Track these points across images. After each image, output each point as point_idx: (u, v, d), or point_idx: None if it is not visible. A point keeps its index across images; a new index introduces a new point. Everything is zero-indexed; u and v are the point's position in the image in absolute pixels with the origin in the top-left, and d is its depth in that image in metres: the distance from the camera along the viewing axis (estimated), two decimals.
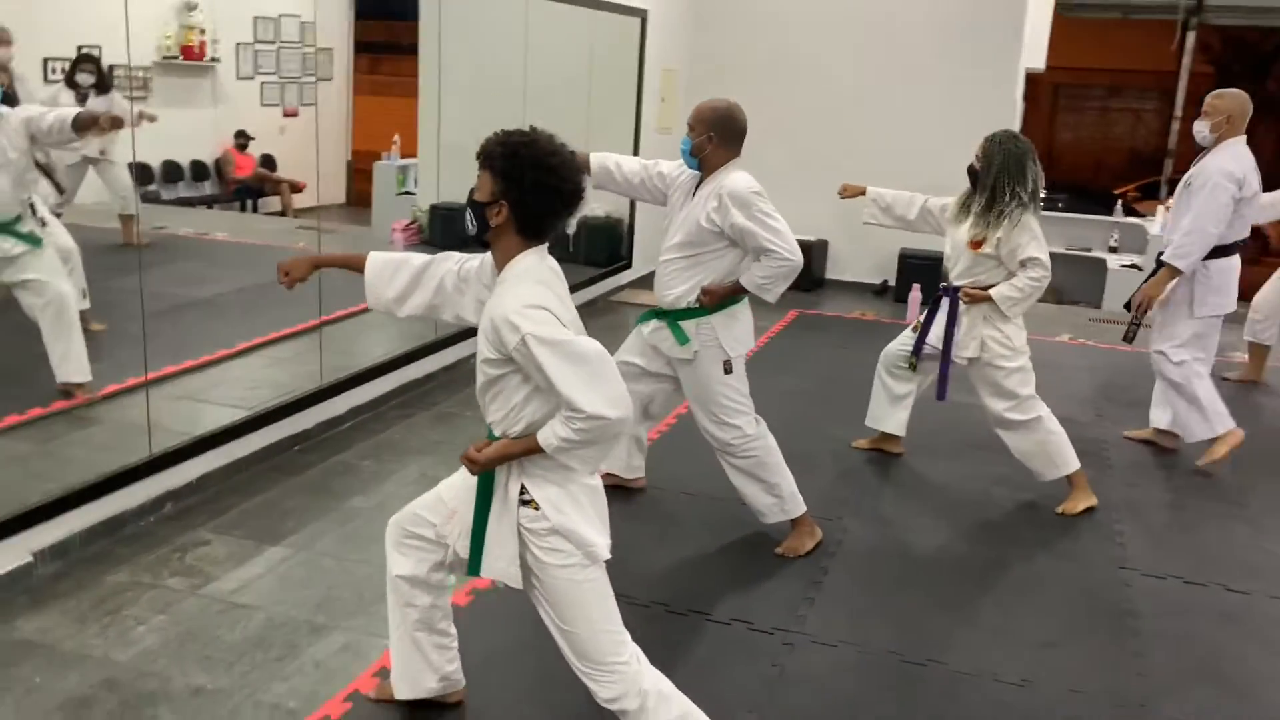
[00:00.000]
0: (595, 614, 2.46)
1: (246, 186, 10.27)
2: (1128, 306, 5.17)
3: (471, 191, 2.46)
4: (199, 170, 9.99)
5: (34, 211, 4.95)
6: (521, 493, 2.44)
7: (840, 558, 3.96)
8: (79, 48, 8.03)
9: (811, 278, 8.87)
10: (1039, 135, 15.76)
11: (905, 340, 4.78)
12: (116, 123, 4.62)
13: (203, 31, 9.89)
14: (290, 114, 11.08)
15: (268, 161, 10.41)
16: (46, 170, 5.77)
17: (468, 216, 2.46)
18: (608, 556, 2.48)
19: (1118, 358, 6.99)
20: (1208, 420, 4.93)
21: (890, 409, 4.91)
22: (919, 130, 8.56)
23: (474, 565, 2.55)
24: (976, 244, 4.33)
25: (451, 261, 2.69)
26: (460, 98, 8.09)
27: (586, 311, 7.50)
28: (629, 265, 8.48)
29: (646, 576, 3.72)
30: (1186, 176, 4.93)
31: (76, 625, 3.26)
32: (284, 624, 3.32)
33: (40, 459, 4.24)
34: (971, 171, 4.37)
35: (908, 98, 8.59)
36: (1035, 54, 10.53)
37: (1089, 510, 4.47)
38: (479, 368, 2.45)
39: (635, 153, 8.09)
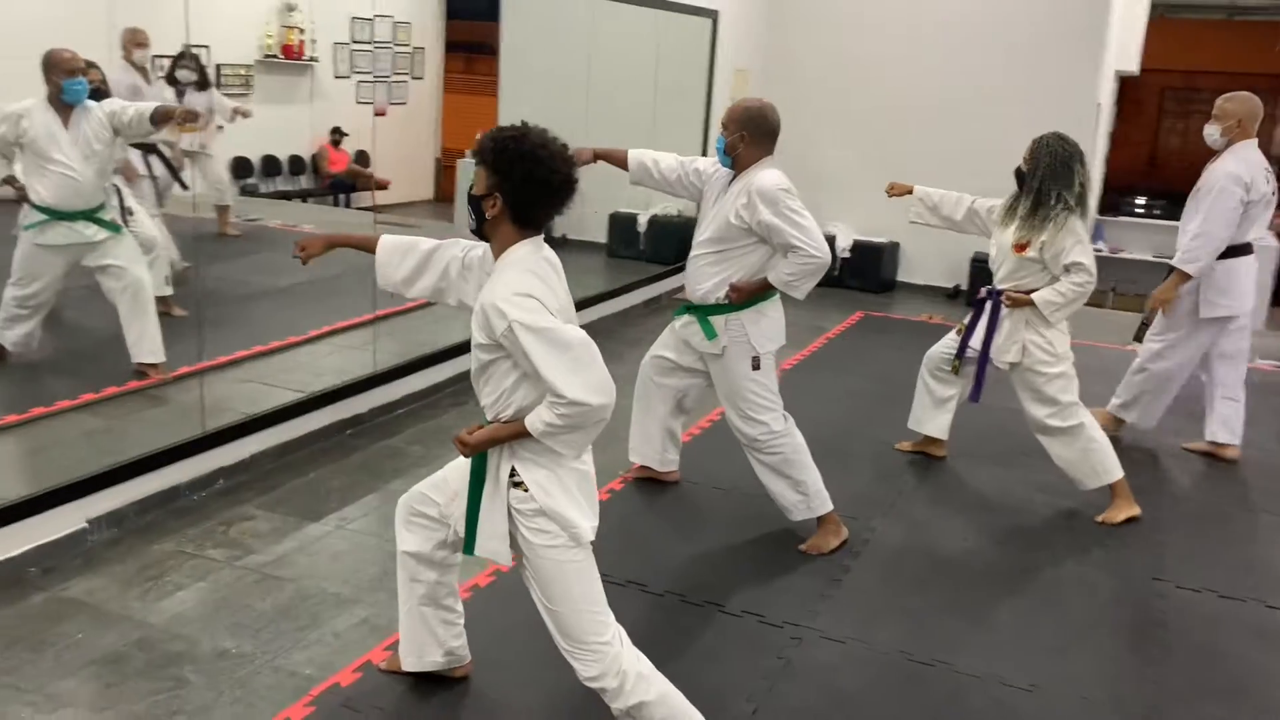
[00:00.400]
0: (578, 594, 2.54)
1: (340, 181, 10.59)
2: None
3: (470, 187, 2.55)
4: (296, 165, 10.34)
5: (121, 200, 5.25)
6: (512, 475, 2.53)
7: (864, 557, 3.97)
8: (186, 46, 8.44)
9: (881, 280, 8.82)
10: (1143, 140, 15.32)
11: (949, 343, 4.74)
12: (190, 116, 4.84)
13: (302, 31, 10.27)
14: (381, 113, 11.40)
15: (361, 158, 10.71)
16: (170, 165, 6.11)
17: (467, 210, 2.56)
18: (592, 539, 2.55)
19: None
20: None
21: (933, 412, 4.87)
22: (992, 133, 8.38)
23: (469, 544, 2.65)
24: (1021, 247, 4.29)
25: (458, 248, 2.79)
26: (536, 97, 8.23)
27: (650, 308, 7.69)
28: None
29: (666, 566, 3.79)
30: (1198, 182, 4.90)
31: (121, 588, 3.47)
32: (311, 596, 3.47)
33: (107, 434, 4.48)
34: (1019, 173, 4.33)
35: (981, 99, 8.45)
36: (1128, 56, 10.29)
37: (1131, 520, 4.38)
38: (473, 353, 2.54)
39: (704, 153, 8.14)
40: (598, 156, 4.10)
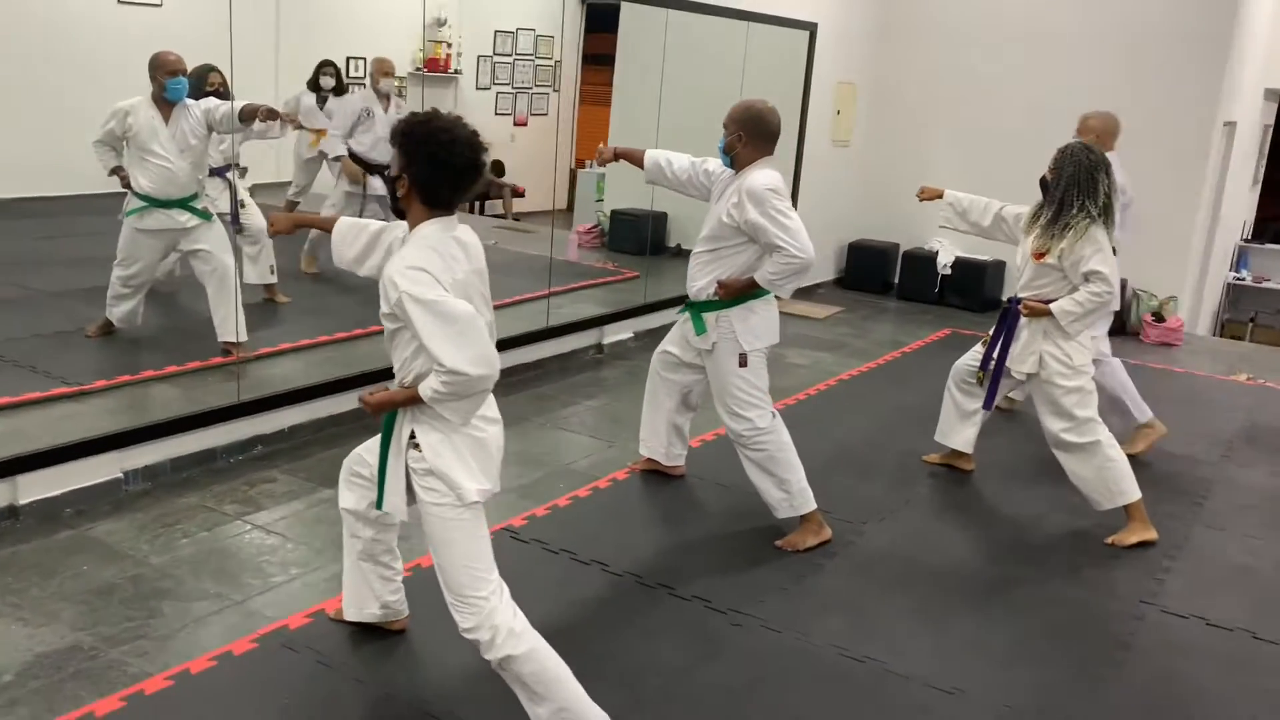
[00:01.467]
0: (460, 551, 2.70)
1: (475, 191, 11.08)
2: None
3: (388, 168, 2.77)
4: None
5: (234, 192, 5.77)
6: (411, 436, 2.73)
7: (841, 558, 3.99)
8: (347, 58, 9.09)
9: (984, 298, 8.62)
10: None
11: (975, 354, 4.69)
12: (271, 114, 5.26)
13: (449, 46, 10.84)
14: (520, 123, 11.88)
15: (496, 167, 11.16)
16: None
17: (387, 189, 2.78)
18: (477, 500, 2.70)
19: None
20: None
21: (959, 425, 4.82)
22: (1119, 149, 8.13)
23: (379, 499, 2.86)
24: (1040, 254, 4.23)
25: (400, 229, 3.01)
26: (646, 109, 8.46)
27: None
28: None
29: (635, 551, 3.91)
30: None
31: (136, 532, 3.85)
32: (295, 551, 3.77)
33: (179, 400, 4.88)
34: (1043, 182, 4.28)
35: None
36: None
37: (1144, 544, 4.23)
38: (382, 320, 2.75)
39: (798, 164, 8.20)
40: (618, 155, 4.29)
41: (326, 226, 3.13)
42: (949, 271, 8.74)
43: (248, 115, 5.19)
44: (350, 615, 3.22)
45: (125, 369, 5.15)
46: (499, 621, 2.67)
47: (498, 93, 11.58)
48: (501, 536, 3.95)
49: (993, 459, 4.98)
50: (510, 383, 5.83)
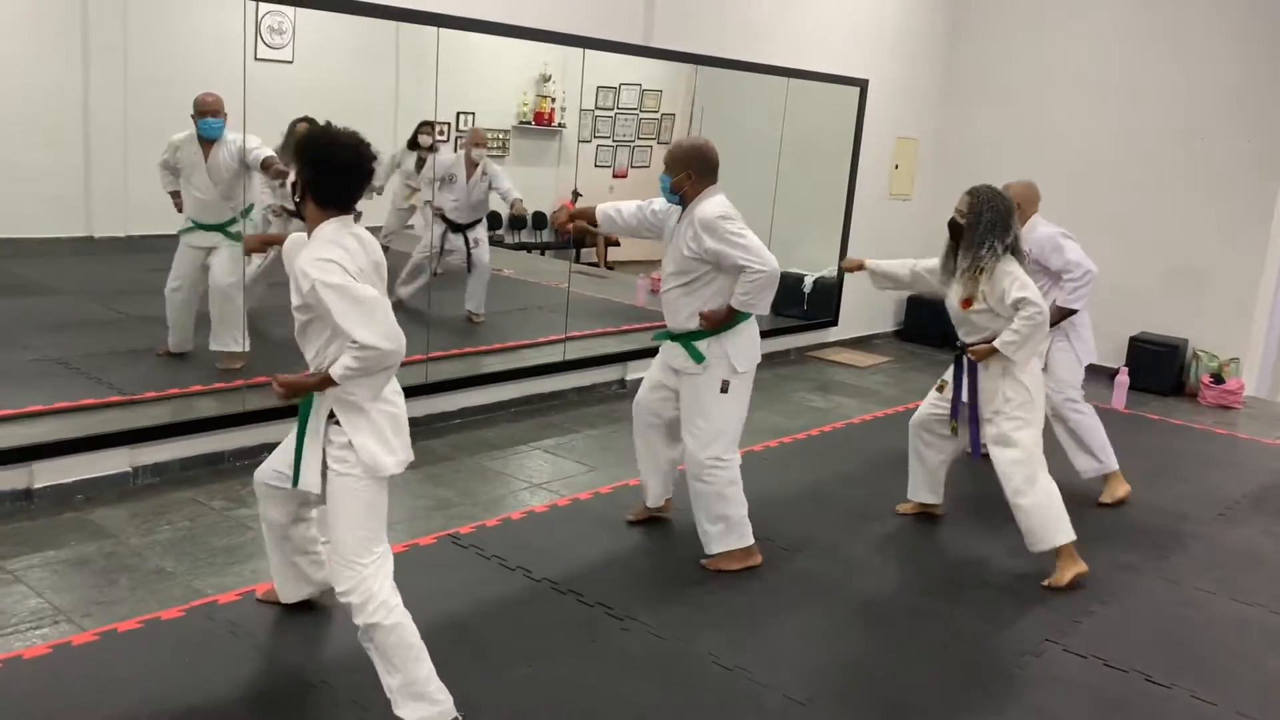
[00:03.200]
0: (354, 518, 2.98)
1: (574, 237, 11.55)
2: None
3: None
4: (539, 220, 11.40)
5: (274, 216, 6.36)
6: (330, 415, 3.04)
7: (761, 580, 4.15)
8: (458, 113, 9.78)
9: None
10: None
11: (933, 402, 4.75)
12: (279, 174, 5.75)
13: (553, 100, 11.44)
14: (620, 175, 12.34)
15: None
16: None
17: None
18: (395, 472, 3.00)
19: None
20: None
21: (924, 480, 4.88)
22: (1180, 206, 8.04)
23: (295, 478, 3.19)
24: (967, 303, 4.34)
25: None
26: (729, 159, 8.82)
27: (777, 359, 7.88)
28: (834, 323, 8.68)
29: (562, 562, 4.16)
30: None
31: (129, 518, 4.34)
32: (258, 543, 4.17)
33: (212, 410, 5.37)
34: (953, 225, 4.36)
35: (1168, 165, 8.09)
36: None
37: (1078, 578, 4.24)
38: (294, 315, 3.10)
39: (848, 216, 8.38)
40: (573, 217, 4.44)
41: (278, 241, 3.54)
42: None
43: (264, 165, 5.70)
44: (288, 599, 3.58)
45: (175, 383, 5.72)
46: (374, 589, 2.94)
47: (598, 145, 12.02)
48: (444, 542, 4.30)
49: (966, 499, 5.04)
50: (523, 410, 6.20)
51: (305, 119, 6.20)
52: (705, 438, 4.14)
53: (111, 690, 3.09)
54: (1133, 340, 8.12)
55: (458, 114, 9.61)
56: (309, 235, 3.06)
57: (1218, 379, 7.79)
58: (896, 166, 8.89)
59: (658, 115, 12.56)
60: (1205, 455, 6.43)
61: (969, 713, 3.32)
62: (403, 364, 2.98)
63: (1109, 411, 7.25)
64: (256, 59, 7.99)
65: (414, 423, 5.61)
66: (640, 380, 4.66)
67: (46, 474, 4.43)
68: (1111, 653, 3.75)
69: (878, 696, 3.37)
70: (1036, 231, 5.13)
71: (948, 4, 8.95)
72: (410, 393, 5.60)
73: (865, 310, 8.81)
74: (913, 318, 9.32)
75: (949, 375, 4.63)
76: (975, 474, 5.54)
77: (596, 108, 11.93)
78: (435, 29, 5.69)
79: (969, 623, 3.94)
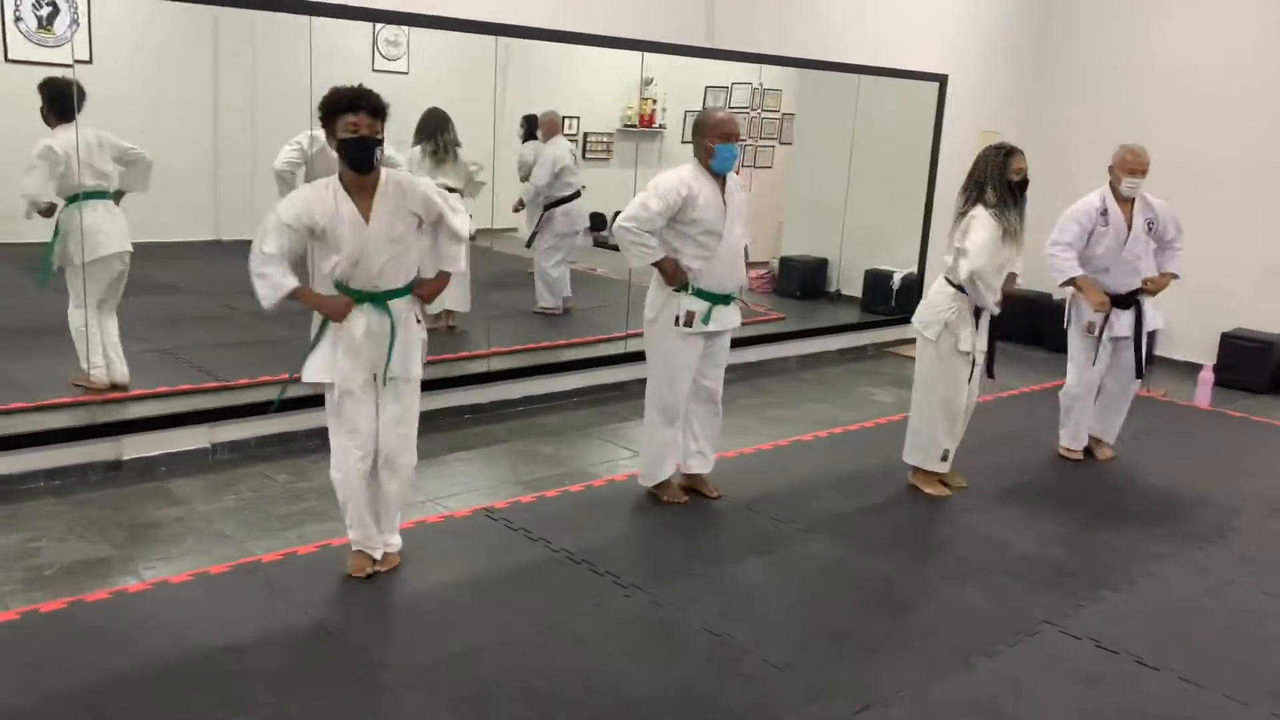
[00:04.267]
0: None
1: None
2: None
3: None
4: None
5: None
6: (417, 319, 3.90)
7: (769, 558, 4.33)
8: (563, 118, 10.19)
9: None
10: None
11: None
12: None
13: (655, 102, 11.70)
14: (735, 174, 12.46)
15: None
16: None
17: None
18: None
19: None
20: None
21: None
22: (1276, 200, 7.79)
23: (385, 375, 3.80)
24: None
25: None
26: (822, 158, 9.06)
27: (851, 355, 7.98)
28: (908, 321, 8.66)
29: (583, 535, 4.41)
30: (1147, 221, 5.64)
31: (201, 488, 4.80)
32: (315, 512, 4.56)
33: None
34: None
35: (1265, 165, 7.85)
36: None
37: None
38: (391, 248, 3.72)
39: (928, 211, 8.41)
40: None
41: None
42: None
43: None
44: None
45: (269, 371, 6.22)
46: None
47: None
48: (478, 515, 4.61)
49: (1001, 486, 5.11)
50: (586, 400, 6.48)
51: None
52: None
53: (154, 630, 3.50)
54: (1224, 336, 7.88)
55: (562, 119, 10.00)
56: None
57: None
58: None
59: (778, 115, 12.64)
60: (1276, 451, 6.24)
61: (938, 682, 3.42)
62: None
63: (1189, 408, 7.09)
64: (374, 70, 8.51)
65: (477, 408, 6.03)
66: None
67: (134, 447, 4.93)
68: (1107, 635, 3.79)
69: (852, 665, 3.51)
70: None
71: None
72: (477, 380, 6.04)
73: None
74: (1003, 315, 9.19)
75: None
76: (1014, 461, 5.58)
77: (704, 108, 12.11)
78: (495, 38, 6.00)
79: (971, 603, 4.03)
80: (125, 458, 4.91)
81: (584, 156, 10.03)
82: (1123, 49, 8.51)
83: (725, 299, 4.64)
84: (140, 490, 4.72)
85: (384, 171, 3.69)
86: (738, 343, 7.44)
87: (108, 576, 3.87)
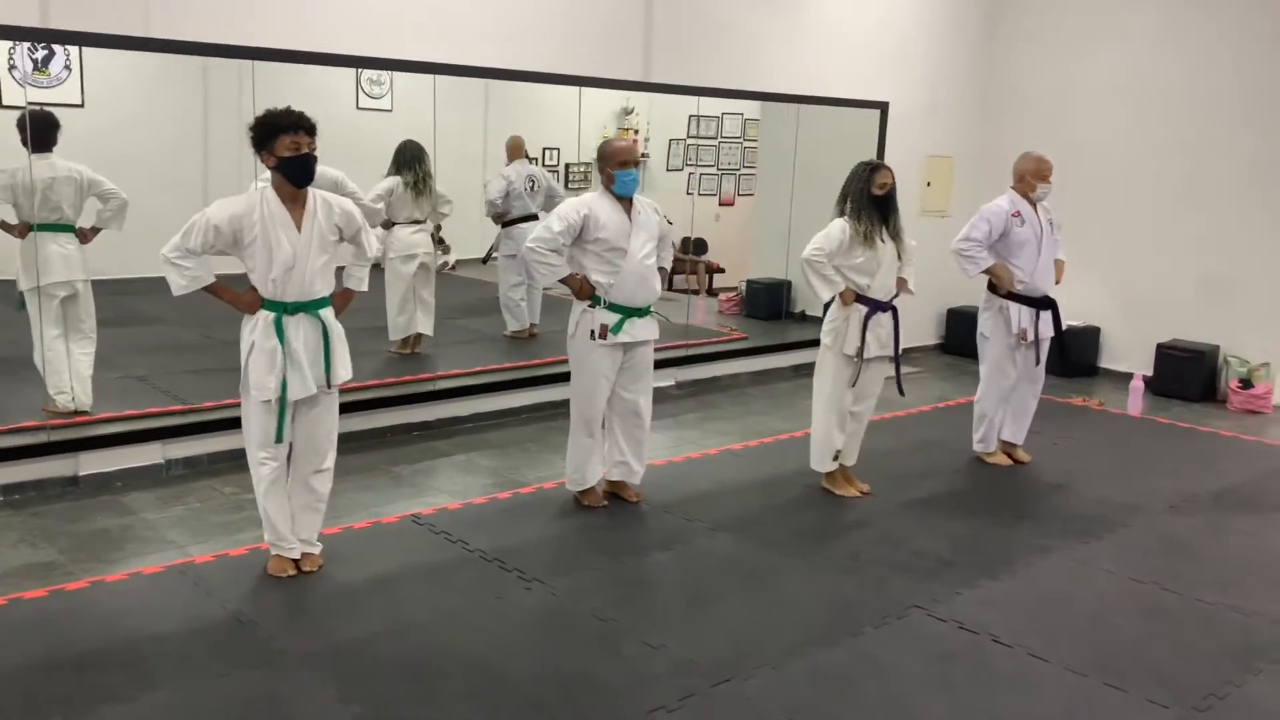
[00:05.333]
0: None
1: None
2: None
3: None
4: None
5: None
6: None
7: (671, 553, 4.63)
8: (543, 149, 10.56)
9: (1076, 364, 8.60)
10: None
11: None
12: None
13: (636, 131, 11.97)
14: (726, 203, 12.73)
15: (699, 245, 12.09)
16: None
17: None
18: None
19: None
20: None
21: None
22: (1212, 212, 8.07)
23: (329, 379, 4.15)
24: None
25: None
26: (775, 193, 9.41)
27: (805, 371, 8.27)
28: None
29: (498, 536, 4.73)
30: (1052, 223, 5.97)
31: (153, 501, 5.13)
32: (256, 520, 4.82)
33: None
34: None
35: (1201, 177, 8.14)
36: None
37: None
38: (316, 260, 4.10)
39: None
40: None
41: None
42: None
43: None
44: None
45: (234, 394, 6.56)
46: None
47: (690, 174, 12.33)
48: (405, 521, 4.93)
49: (908, 485, 5.38)
50: (535, 416, 6.80)
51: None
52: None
53: (83, 621, 3.83)
54: (1160, 347, 8.15)
55: (543, 149, 10.36)
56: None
57: (1246, 384, 7.75)
58: (929, 184, 9.16)
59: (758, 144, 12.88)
60: (1191, 453, 6.50)
61: (799, 657, 3.71)
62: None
63: (1119, 416, 7.35)
64: (359, 108, 8.90)
65: (426, 425, 6.36)
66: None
67: (91, 464, 5.28)
68: (973, 618, 4.06)
69: (723, 644, 3.80)
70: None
71: (977, 22, 9.19)
72: (426, 398, 6.37)
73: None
74: (952, 330, 9.51)
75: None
76: (928, 465, 5.86)
77: (689, 137, 12.36)
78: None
79: (849, 591, 4.31)
80: (82, 473, 5.26)
81: (565, 185, 10.35)
82: (1066, 68, 8.84)
83: (638, 312, 4.96)
84: (94, 503, 5.06)
85: (309, 189, 4.05)
86: (692, 360, 7.84)
87: (48, 578, 4.20)
